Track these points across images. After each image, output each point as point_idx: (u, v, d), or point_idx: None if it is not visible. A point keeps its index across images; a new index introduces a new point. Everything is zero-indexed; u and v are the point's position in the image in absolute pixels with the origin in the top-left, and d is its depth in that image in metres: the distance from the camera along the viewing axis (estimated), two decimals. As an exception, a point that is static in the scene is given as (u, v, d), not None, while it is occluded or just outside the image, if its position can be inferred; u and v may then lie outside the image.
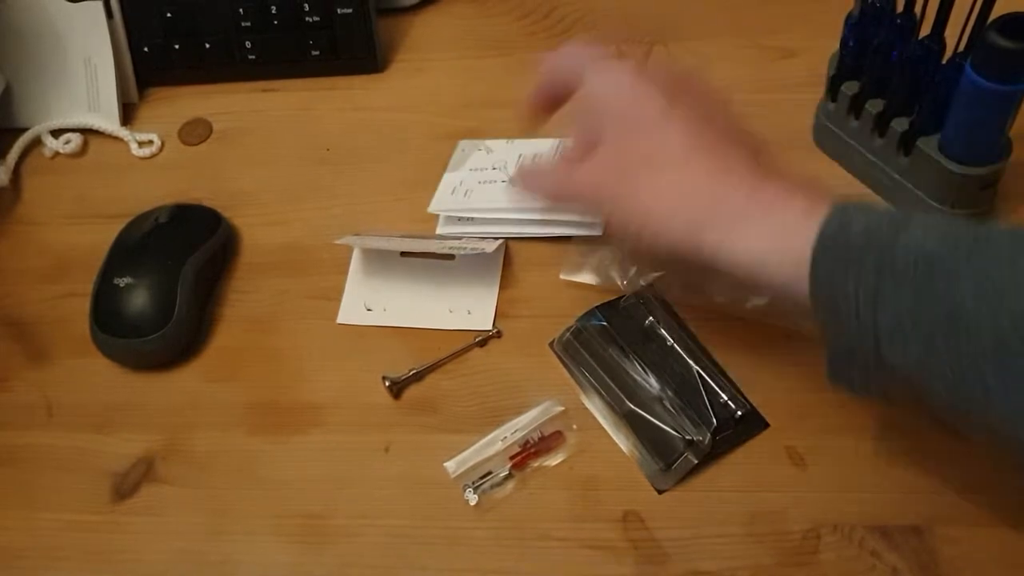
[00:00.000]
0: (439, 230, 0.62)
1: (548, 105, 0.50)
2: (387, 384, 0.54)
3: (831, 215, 0.39)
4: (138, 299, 0.57)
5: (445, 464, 0.51)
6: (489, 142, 0.65)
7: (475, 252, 0.57)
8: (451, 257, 0.59)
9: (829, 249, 0.38)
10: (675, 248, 0.43)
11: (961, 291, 0.35)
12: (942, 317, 0.35)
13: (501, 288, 0.58)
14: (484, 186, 0.62)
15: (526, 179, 0.51)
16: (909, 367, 0.37)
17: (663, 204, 0.43)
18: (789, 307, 0.40)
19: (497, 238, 0.59)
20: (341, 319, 0.59)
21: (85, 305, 0.59)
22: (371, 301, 0.59)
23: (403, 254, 0.60)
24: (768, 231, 0.41)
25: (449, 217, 0.61)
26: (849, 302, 0.37)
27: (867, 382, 0.39)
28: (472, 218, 0.61)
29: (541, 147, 0.63)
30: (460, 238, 0.60)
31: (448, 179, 0.63)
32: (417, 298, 0.59)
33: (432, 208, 0.61)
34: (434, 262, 0.60)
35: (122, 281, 0.58)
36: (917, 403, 0.38)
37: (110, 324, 0.57)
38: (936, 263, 0.36)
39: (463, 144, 0.65)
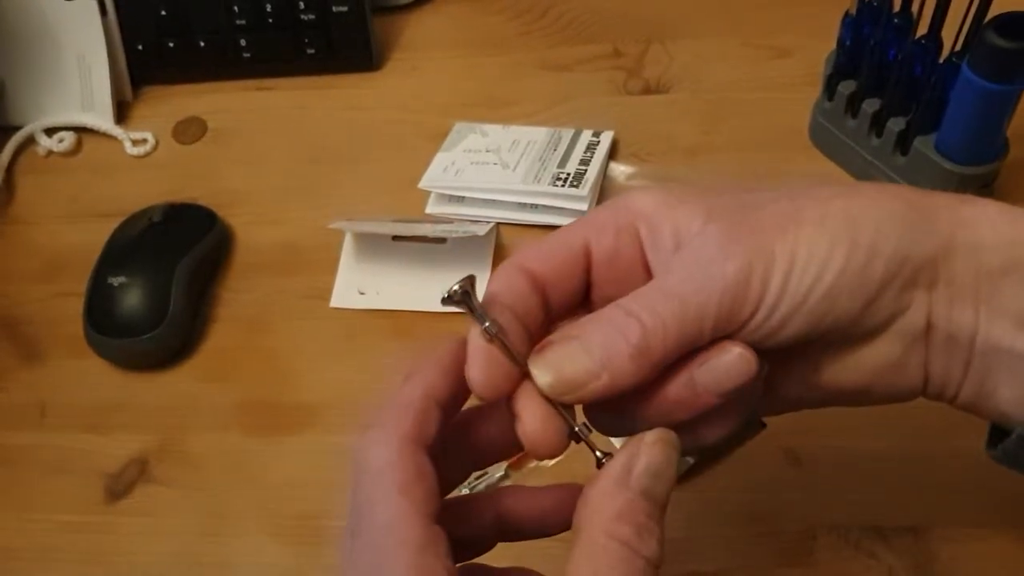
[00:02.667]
0: (429, 208, 0.62)
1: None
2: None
3: None
4: (132, 299, 0.57)
5: (441, 464, 0.51)
6: (486, 126, 0.65)
7: (467, 235, 0.57)
8: (443, 241, 0.59)
9: None
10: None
11: None
12: None
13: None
14: (476, 167, 0.62)
15: None
16: None
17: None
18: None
19: (488, 221, 0.59)
20: (334, 303, 0.59)
21: (79, 305, 0.59)
22: (364, 285, 0.59)
23: (395, 238, 0.60)
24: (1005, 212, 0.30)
25: (440, 195, 0.62)
26: None
27: None
28: (462, 197, 0.61)
29: (536, 135, 0.63)
30: (451, 221, 0.60)
31: (441, 158, 0.63)
32: (410, 281, 0.59)
33: (423, 184, 0.62)
34: (426, 246, 0.60)
35: (116, 281, 0.58)
36: None
37: (104, 324, 0.57)
38: None
39: (459, 126, 0.66)
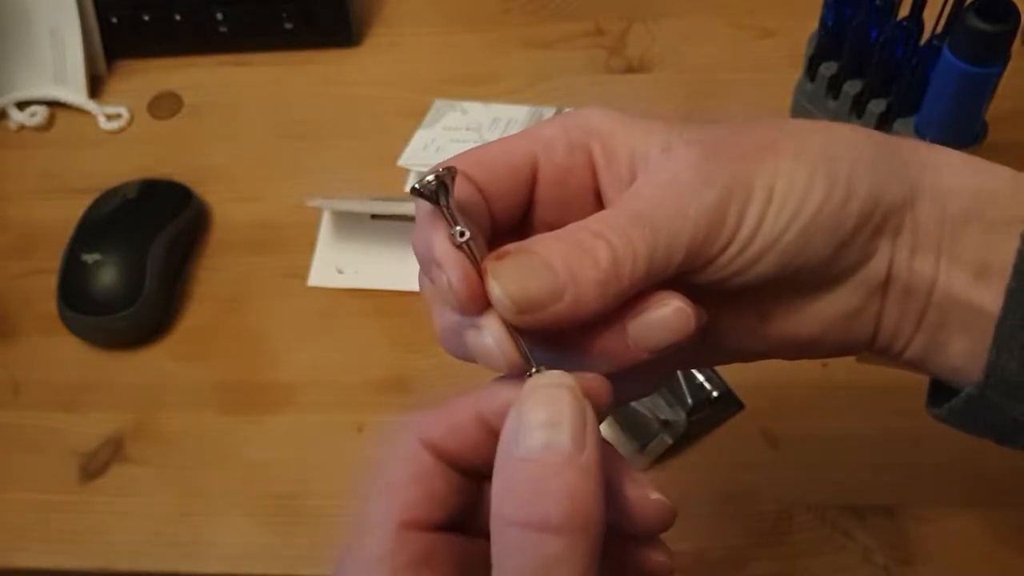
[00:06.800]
0: (408, 186, 0.61)
1: None
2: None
3: None
4: (106, 276, 0.56)
5: (419, 444, 0.51)
6: (465, 104, 0.65)
7: None
8: None
9: None
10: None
11: None
12: None
13: (476, 267, 0.58)
14: (455, 145, 0.62)
15: None
16: None
17: None
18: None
19: None
20: (312, 282, 0.59)
21: (52, 282, 0.58)
22: (342, 264, 0.59)
23: (373, 216, 0.60)
24: (970, 165, 0.28)
25: (419, 174, 0.61)
26: None
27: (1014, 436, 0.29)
28: None
29: (517, 113, 0.63)
30: None
31: (420, 136, 0.63)
32: (388, 260, 0.59)
33: (402, 162, 0.61)
34: (405, 224, 0.59)
35: (90, 258, 0.57)
36: None
37: (78, 301, 0.56)
38: None
39: (439, 103, 0.65)
